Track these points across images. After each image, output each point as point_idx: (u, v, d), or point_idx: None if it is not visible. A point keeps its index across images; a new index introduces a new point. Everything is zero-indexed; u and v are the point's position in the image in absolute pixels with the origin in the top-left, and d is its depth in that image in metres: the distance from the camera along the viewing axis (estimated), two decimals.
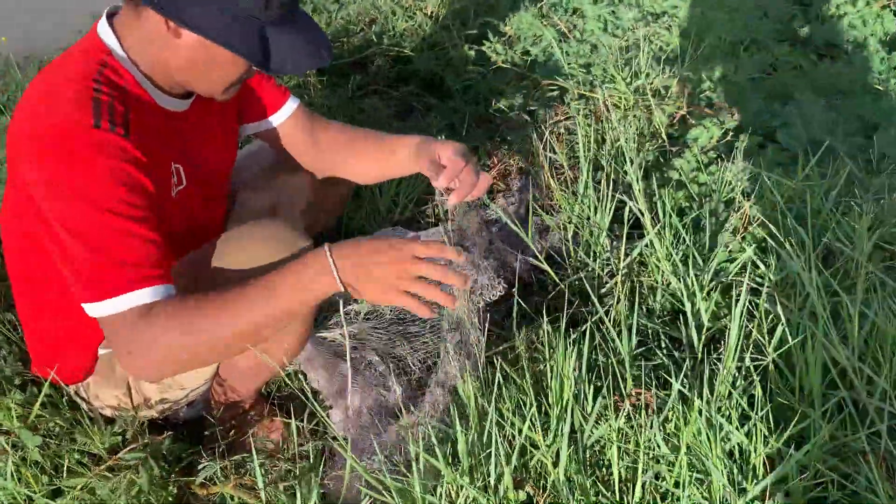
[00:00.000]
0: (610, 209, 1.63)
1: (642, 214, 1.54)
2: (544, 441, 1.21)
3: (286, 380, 1.49)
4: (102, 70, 1.28)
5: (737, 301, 1.46)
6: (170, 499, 1.42)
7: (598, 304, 1.38)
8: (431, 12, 3.70)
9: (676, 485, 1.17)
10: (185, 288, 1.28)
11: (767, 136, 2.15)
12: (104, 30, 1.33)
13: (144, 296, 1.20)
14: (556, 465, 1.15)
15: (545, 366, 1.31)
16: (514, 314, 1.51)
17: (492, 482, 1.17)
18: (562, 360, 1.27)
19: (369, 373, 1.62)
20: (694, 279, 1.39)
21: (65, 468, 1.45)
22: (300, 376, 1.58)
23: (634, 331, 1.31)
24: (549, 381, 1.29)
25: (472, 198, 1.44)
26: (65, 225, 1.20)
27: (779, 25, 2.87)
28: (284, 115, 1.68)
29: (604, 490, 1.25)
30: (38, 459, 1.42)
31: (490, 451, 1.17)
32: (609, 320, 1.48)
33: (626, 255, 1.57)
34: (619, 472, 1.22)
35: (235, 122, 1.64)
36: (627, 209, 1.57)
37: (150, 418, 1.56)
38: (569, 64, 2.37)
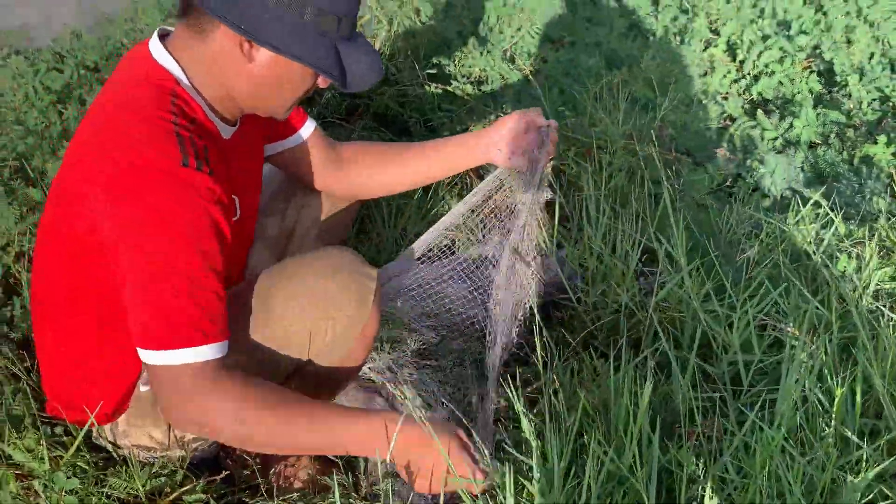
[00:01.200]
0: (638, 249, 1.70)
1: (673, 257, 1.62)
2: (624, 469, 1.25)
3: None
4: (175, 101, 1.23)
5: (764, 334, 1.56)
6: None
7: (663, 339, 1.44)
8: (380, 48, 3.73)
9: None
10: (234, 317, 1.26)
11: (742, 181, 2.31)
12: (163, 55, 1.28)
13: (205, 352, 1.19)
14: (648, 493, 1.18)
15: (611, 398, 1.35)
16: (549, 345, 1.55)
17: None
18: (627, 395, 1.32)
19: (403, 407, 1.60)
20: (742, 314, 1.48)
21: None
22: None
23: (693, 367, 1.38)
24: (614, 412, 1.34)
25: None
26: (142, 270, 1.16)
27: (723, 79, 3.09)
28: (306, 133, 1.66)
29: None
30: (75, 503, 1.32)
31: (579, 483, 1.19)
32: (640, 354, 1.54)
33: (655, 293, 1.64)
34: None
35: (263, 144, 1.61)
36: (663, 250, 1.64)
37: (175, 459, 1.48)
38: (553, 108, 2.46)
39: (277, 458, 1.61)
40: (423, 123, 3.07)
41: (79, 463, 1.43)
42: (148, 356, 1.20)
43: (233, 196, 1.36)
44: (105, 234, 1.18)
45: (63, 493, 1.33)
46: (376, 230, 2.12)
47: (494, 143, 1.67)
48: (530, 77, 2.87)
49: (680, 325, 1.63)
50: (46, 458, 1.33)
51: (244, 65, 1.25)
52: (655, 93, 2.63)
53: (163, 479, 1.37)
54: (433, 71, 3.26)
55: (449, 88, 3.01)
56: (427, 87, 3.09)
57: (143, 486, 1.34)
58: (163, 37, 1.32)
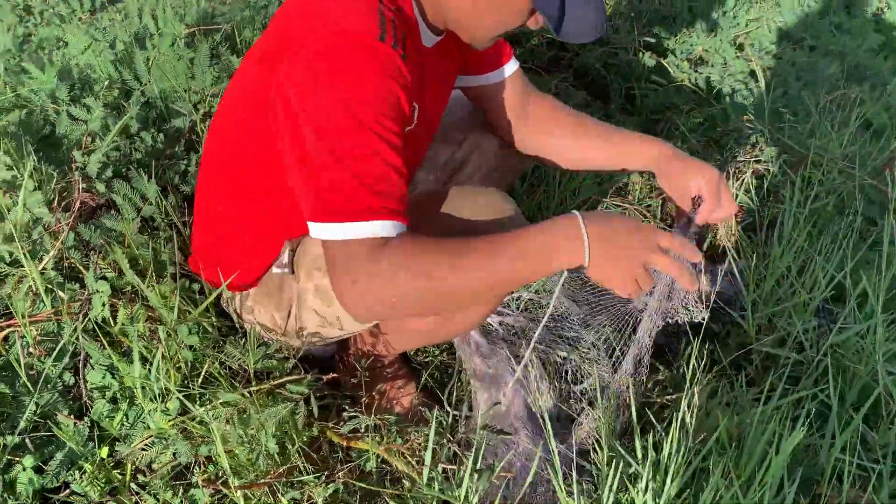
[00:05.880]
0: (828, 282, 1.51)
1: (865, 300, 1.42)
2: None
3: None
4: None
5: None
6: (304, 438, 1.35)
7: (833, 385, 1.27)
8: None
9: None
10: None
11: None
12: None
13: (385, 228, 1.11)
14: None
15: (750, 432, 1.20)
16: (695, 358, 1.41)
17: None
18: (768, 434, 1.17)
19: (524, 371, 1.52)
20: None
21: (201, 374, 1.39)
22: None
23: (856, 427, 1.20)
24: (749, 447, 1.20)
25: (715, 221, 1.40)
26: (322, 132, 1.10)
27: None
28: (503, 75, 1.57)
29: None
30: (189, 359, 1.36)
31: None
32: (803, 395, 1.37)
33: (833, 333, 1.45)
34: None
35: (457, 70, 1.54)
36: (858, 289, 1.44)
37: (290, 347, 1.49)
38: (773, 108, 2.23)
39: (385, 378, 1.59)
40: (624, 90, 2.90)
41: (203, 323, 1.46)
42: (323, 230, 1.12)
43: (413, 104, 1.30)
44: (291, 98, 1.14)
45: (182, 346, 1.37)
46: (545, 184, 2.01)
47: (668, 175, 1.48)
48: (756, 69, 2.62)
49: (850, 377, 1.43)
50: (176, 309, 1.36)
51: None
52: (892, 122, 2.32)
53: (274, 361, 1.37)
54: (651, 39, 3.06)
55: (664, 61, 2.81)
56: (640, 55, 2.90)
57: (255, 363, 1.35)
58: None
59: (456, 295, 1.15)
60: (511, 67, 1.57)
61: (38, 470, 1.34)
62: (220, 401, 1.30)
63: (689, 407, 1.21)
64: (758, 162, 2.11)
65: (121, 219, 1.55)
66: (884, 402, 1.39)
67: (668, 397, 1.45)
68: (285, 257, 1.40)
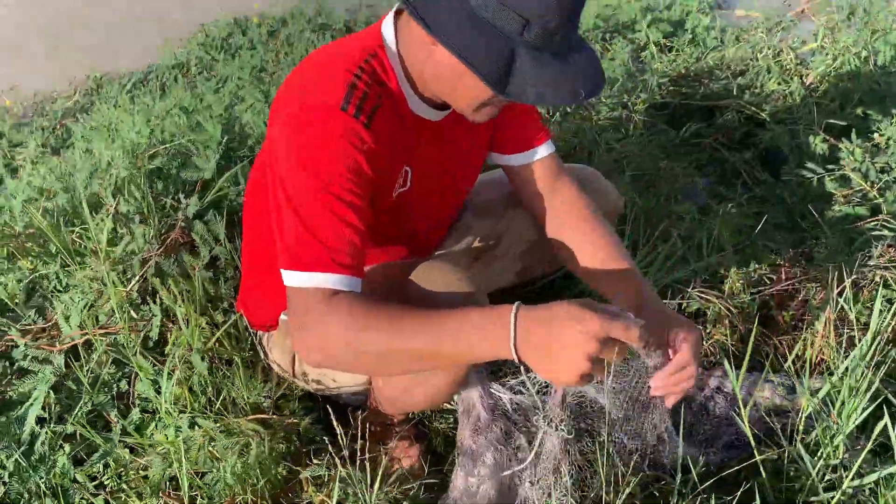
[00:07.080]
0: (859, 414, 1.28)
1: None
2: None
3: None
4: (370, 60, 1.28)
5: None
6: (278, 477, 1.45)
7: None
8: (810, 83, 3.30)
9: None
10: (375, 290, 1.25)
11: None
12: (387, 24, 1.32)
13: (331, 280, 1.18)
14: None
15: None
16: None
17: None
18: None
19: (510, 452, 1.48)
20: None
21: (218, 402, 1.55)
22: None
23: None
24: None
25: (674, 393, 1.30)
26: (286, 190, 1.22)
27: None
28: (529, 159, 1.54)
29: None
30: (197, 384, 1.52)
31: None
32: None
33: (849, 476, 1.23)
34: None
35: (486, 145, 1.56)
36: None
37: (306, 390, 1.61)
38: None
39: (392, 437, 1.63)
40: (795, 172, 2.65)
41: (234, 356, 1.63)
42: (285, 276, 1.23)
43: (405, 167, 1.36)
44: (273, 163, 1.27)
45: (193, 372, 1.54)
46: None
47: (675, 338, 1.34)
48: None
49: None
50: (196, 338, 1.54)
51: (429, 48, 1.23)
52: None
53: (262, 398, 1.49)
54: (840, 122, 2.76)
55: (839, 145, 2.52)
56: (813, 137, 2.64)
57: (246, 398, 1.48)
58: (401, 12, 1.35)
59: (385, 357, 1.18)
60: (541, 152, 1.53)
61: (80, 460, 1.58)
62: (201, 428, 1.45)
63: None
64: (887, 269, 1.82)
65: (196, 255, 1.79)
66: None
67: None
68: None
